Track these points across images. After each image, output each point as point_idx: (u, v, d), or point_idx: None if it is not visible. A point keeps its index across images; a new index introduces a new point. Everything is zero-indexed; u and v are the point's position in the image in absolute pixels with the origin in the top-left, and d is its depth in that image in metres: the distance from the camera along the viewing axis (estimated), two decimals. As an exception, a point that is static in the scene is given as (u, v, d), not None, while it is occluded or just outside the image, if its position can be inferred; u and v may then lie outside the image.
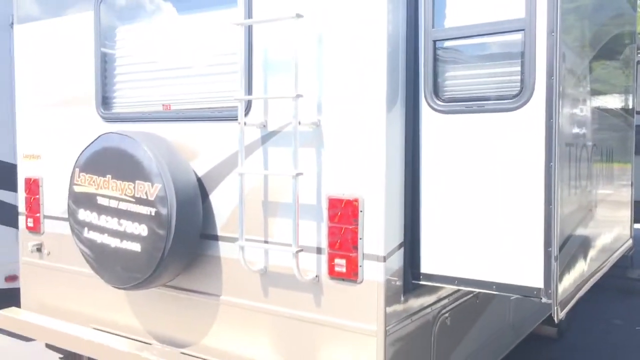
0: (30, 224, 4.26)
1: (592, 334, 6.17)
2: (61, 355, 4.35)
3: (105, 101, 3.79)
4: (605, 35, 3.97)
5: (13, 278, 5.78)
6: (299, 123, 2.88)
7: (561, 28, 2.61)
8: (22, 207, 4.34)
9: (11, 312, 4.29)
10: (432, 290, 3.17)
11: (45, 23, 4.05)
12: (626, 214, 4.73)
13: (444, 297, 3.34)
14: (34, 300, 4.33)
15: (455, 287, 2.92)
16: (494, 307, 4.06)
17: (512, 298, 4.26)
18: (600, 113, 3.88)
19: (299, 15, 2.82)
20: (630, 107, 4.94)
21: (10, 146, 5.71)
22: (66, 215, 3.91)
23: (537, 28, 2.60)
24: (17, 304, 4.48)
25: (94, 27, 3.76)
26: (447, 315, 3.39)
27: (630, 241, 4.81)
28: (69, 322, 4.02)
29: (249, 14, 3.07)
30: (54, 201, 4.13)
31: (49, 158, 4.15)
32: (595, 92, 3.66)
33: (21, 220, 4.36)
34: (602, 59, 3.86)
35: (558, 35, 2.57)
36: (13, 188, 5.77)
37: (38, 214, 4.21)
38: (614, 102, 4.32)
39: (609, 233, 4.15)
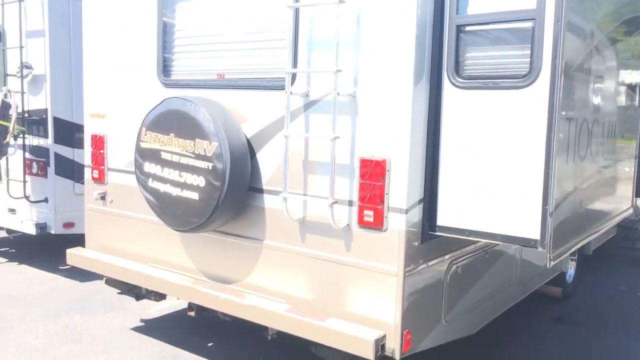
0: (96, 175, 4.86)
1: (595, 297, 6.65)
2: (119, 291, 5.00)
3: (165, 69, 4.32)
4: (615, 20, 4.34)
5: (70, 224, 6.44)
6: (338, 94, 3.37)
7: (567, 17, 3.04)
8: (88, 160, 4.93)
9: (79, 250, 4.93)
10: (447, 242, 3.68)
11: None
12: (628, 184, 5.15)
13: (457, 249, 3.85)
14: (97, 241, 4.95)
15: (466, 238, 3.42)
16: (502, 263, 4.56)
17: (517, 258, 4.77)
18: (606, 91, 4.28)
19: (341, 1, 3.28)
20: (637, 86, 5.29)
21: (68, 106, 6.29)
22: (128, 168, 4.52)
23: (545, 17, 3.03)
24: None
25: (158, 1, 4.27)
26: (458, 265, 3.90)
27: (631, 210, 5.24)
28: (129, 261, 4.63)
29: (296, -3, 3.54)
30: (116, 155, 4.72)
31: (112, 117, 4.72)
32: (601, 73, 4.07)
33: (87, 172, 4.96)
34: (610, 42, 4.24)
35: (563, 24, 3.00)
36: (70, 144, 6.39)
37: (102, 167, 4.80)
38: (620, 81, 4.70)
39: (608, 200, 4.60)
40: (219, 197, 3.68)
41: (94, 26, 4.77)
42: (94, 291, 6.10)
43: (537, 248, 3.16)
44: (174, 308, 5.65)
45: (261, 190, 3.87)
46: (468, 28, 3.30)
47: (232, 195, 3.72)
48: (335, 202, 3.47)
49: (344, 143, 3.46)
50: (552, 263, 3.20)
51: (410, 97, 3.25)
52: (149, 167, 4.02)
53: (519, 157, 3.18)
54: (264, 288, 3.91)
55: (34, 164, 6.31)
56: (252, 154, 3.87)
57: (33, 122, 6.22)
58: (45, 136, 6.20)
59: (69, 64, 6.18)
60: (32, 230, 6.35)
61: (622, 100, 4.79)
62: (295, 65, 3.59)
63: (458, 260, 3.90)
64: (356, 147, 3.43)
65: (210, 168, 3.69)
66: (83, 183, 6.26)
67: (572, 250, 3.66)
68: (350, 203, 3.48)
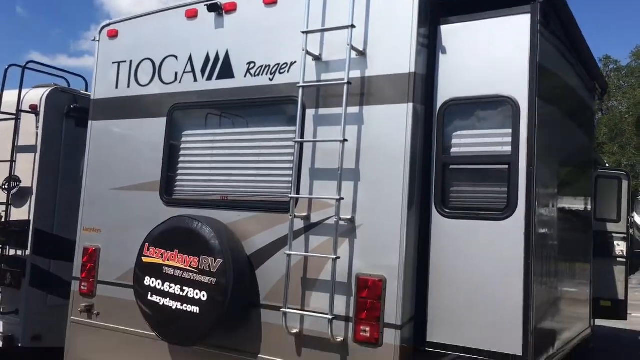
0: (84, 288, 4.92)
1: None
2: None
3: (168, 189, 4.62)
4: (571, 162, 5.04)
5: (38, 337, 6.26)
6: (339, 219, 3.75)
7: (538, 162, 3.61)
8: (77, 273, 5.01)
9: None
10: (435, 357, 3.93)
11: (121, 122, 4.95)
12: (586, 306, 5.63)
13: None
14: (77, 355, 4.90)
15: (455, 354, 3.70)
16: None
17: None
18: (567, 221, 4.85)
19: (345, 140, 3.76)
20: (589, 216, 5.96)
21: (51, 218, 6.36)
22: (119, 281, 4.64)
23: (519, 162, 3.59)
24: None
25: (165, 129, 4.66)
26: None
27: (589, 330, 5.67)
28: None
29: (301, 133, 4.00)
30: (108, 269, 4.84)
31: (108, 232, 4.89)
32: (563, 205, 4.65)
33: (74, 284, 5.02)
34: (568, 180, 4.89)
35: (535, 167, 3.56)
36: (48, 256, 6.39)
37: (92, 280, 4.89)
38: (577, 212, 5.33)
39: (572, 319, 5.02)
40: (221, 311, 3.86)
41: (98, 145, 5.07)
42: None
43: (520, 364, 3.47)
44: None
45: (258, 305, 4.08)
46: (453, 166, 3.82)
47: (234, 309, 3.91)
48: (335, 318, 3.72)
49: (342, 262, 3.78)
50: (534, 379, 3.51)
51: (404, 223, 3.66)
52: (149, 281, 4.18)
53: (500, 280, 3.58)
54: (256, 404, 3.99)
55: (8, 275, 6.23)
56: (251, 270, 4.12)
57: (13, 233, 6.24)
58: (25, 247, 6.20)
59: (56, 179, 6.35)
60: (-2, 343, 6.13)
61: (579, 230, 5.39)
62: (298, 191, 3.98)
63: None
64: (354, 266, 3.76)
65: (213, 283, 3.90)
66: (56, 295, 6.25)
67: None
68: (347, 319, 3.74)
